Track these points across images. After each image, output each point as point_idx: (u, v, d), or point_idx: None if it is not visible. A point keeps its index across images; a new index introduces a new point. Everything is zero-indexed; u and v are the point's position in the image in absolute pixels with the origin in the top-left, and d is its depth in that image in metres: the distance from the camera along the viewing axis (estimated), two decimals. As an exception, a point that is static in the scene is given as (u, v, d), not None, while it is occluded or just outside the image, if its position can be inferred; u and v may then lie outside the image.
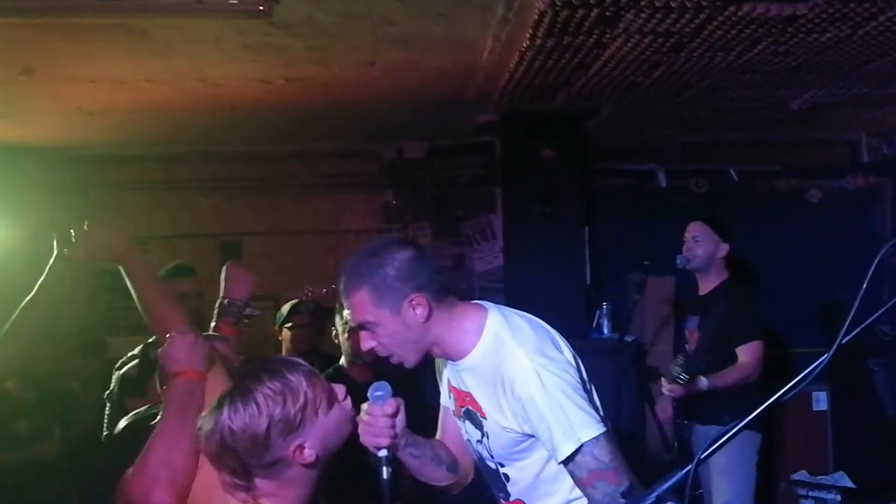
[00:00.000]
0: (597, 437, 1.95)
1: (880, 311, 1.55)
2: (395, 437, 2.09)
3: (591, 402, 2.07)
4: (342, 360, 3.66)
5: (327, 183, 5.88)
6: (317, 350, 4.35)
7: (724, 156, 5.95)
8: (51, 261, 2.59)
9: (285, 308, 4.42)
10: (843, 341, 1.70)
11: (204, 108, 4.56)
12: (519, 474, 2.17)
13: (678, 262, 4.17)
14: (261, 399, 1.78)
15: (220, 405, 1.81)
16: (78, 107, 4.51)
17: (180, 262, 3.77)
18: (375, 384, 2.11)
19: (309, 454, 1.82)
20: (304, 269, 5.75)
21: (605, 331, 5.03)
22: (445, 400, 2.35)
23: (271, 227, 5.96)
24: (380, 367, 3.58)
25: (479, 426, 2.18)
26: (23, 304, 2.60)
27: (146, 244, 4.44)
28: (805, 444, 4.87)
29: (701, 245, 4.05)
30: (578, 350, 4.97)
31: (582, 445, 1.94)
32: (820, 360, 1.78)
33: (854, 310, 1.70)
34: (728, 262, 4.11)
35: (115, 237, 2.50)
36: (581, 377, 2.11)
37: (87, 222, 2.53)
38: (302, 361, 1.91)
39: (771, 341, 3.99)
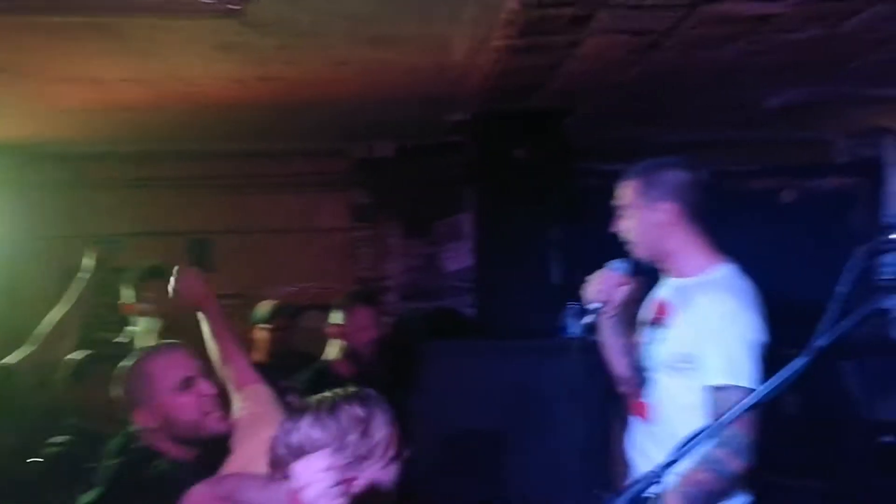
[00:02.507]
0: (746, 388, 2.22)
1: (857, 319, 1.53)
2: (608, 301, 2.50)
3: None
4: (329, 355, 3.68)
5: (298, 182, 5.85)
6: (291, 350, 4.35)
7: (700, 155, 5.93)
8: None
9: (264, 308, 4.38)
10: (819, 344, 1.68)
11: (177, 107, 4.54)
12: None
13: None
14: (344, 419, 1.74)
15: (302, 411, 1.77)
16: (50, 105, 4.47)
17: (155, 262, 3.71)
18: (618, 261, 2.55)
19: (356, 487, 1.76)
20: (274, 267, 5.72)
21: (575, 330, 5.00)
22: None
23: (242, 225, 5.91)
24: (367, 362, 3.63)
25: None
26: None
27: (119, 242, 4.38)
28: (772, 447, 4.85)
29: None
30: (550, 349, 4.95)
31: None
32: (796, 362, 1.76)
33: (831, 314, 1.68)
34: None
35: (198, 284, 2.62)
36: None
37: (176, 268, 2.64)
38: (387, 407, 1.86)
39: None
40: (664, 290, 2.60)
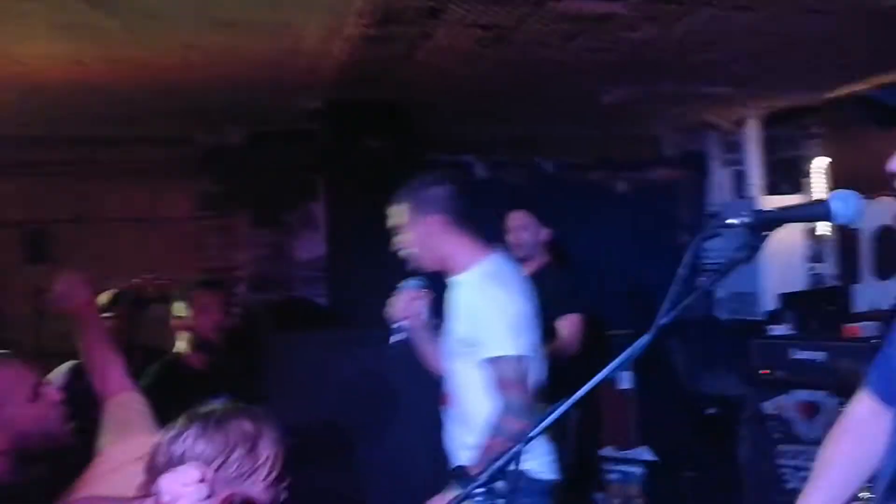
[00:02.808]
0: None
1: (694, 295, 1.67)
2: (411, 316, 2.82)
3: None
4: (179, 349, 3.59)
5: (142, 169, 5.60)
6: (135, 343, 4.19)
7: (540, 148, 6.20)
8: None
9: (103, 298, 4.20)
10: (662, 322, 1.81)
11: (5, 87, 4.27)
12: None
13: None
14: (232, 433, 1.68)
15: (189, 421, 1.69)
16: None
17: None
18: (412, 279, 2.89)
19: None
20: (117, 258, 5.46)
21: (426, 318, 5.09)
22: None
23: (80, 215, 5.60)
24: (218, 354, 3.57)
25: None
26: None
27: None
28: (611, 421, 5.15)
29: (526, 231, 4.18)
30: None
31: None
32: (641, 338, 1.89)
33: (672, 294, 1.82)
34: (548, 247, 4.26)
35: (80, 288, 2.48)
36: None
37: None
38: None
39: (588, 321, 4.17)
40: (449, 289, 2.88)
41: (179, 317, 3.69)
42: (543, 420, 1.85)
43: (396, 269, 5.02)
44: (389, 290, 4.92)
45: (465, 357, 2.69)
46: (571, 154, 6.21)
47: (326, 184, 5.39)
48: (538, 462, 2.71)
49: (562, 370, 3.91)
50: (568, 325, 4.03)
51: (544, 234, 4.23)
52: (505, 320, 2.62)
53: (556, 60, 4.09)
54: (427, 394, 4.73)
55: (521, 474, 2.56)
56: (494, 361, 2.58)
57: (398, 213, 2.93)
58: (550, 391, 3.87)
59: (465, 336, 2.68)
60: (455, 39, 3.69)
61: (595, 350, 4.45)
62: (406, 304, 2.87)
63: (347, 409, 4.73)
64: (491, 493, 1.71)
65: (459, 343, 2.72)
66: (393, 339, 2.87)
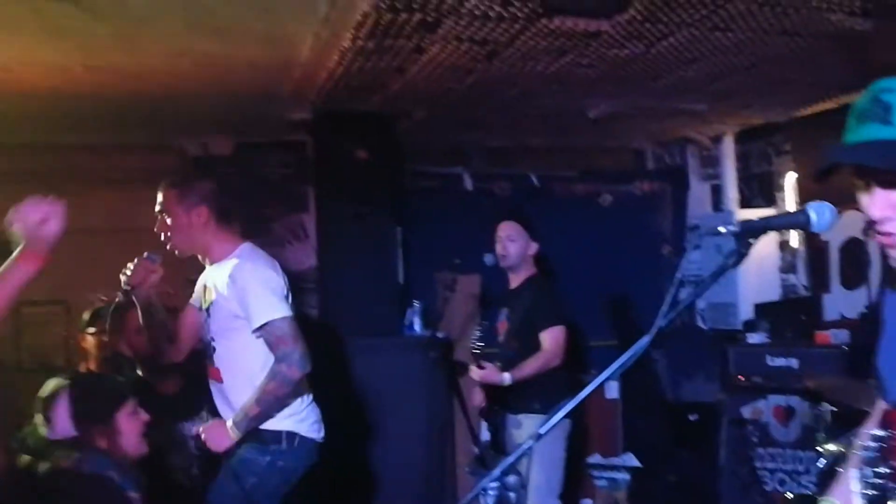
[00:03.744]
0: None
1: (700, 291, 1.74)
2: (139, 284, 3.18)
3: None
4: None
5: (121, 178, 5.52)
6: (120, 355, 4.18)
7: (526, 160, 6.27)
8: None
9: (86, 313, 4.20)
10: (662, 325, 1.87)
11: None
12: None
13: (486, 259, 4.33)
14: None
15: None
16: None
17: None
18: (152, 252, 3.20)
19: None
20: (96, 269, 5.35)
21: (417, 328, 5.13)
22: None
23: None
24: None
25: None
26: None
27: None
28: (599, 429, 5.23)
29: (514, 243, 4.20)
30: (391, 347, 5.11)
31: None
32: (639, 342, 1.95)
33: (669, 297, 1.88)
34: (534, 260, 4.31)
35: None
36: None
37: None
38: None
39: (571, 332, 4.23)
40: (207, 274, 3.23)
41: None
42: (549, 424, 1.90)
43: (385, 280, 5.12)
44: (378, 299, 4.99)
45: (234, 332, 3.05)
46: (556, 166, 6.29)
47: (316, 195, 5.41)
48: (306, 424, 3.10)
49: (545, 380, 4.01)
50: (551, 337, 4.08)
51: (533, 247, 4.25)
52: (269, 290, 3.03)
53: (545, 75, 4.16)
54: (417, 402, 4.80)
55: (293, 435, 3.04)
56: (268, 325, 2.97)
57: (164, 198, 3.19)
58: (535, 400, 3.97)
59: (236, 312, 3.03)
60: (448, 54, 3.73)
61: (577, 360, 4.52)
62: (139, 273, 3.18)
63: (336, 416, 4.75)
64: (503, 487, 1.76)
65: (228, 320, 3.06)
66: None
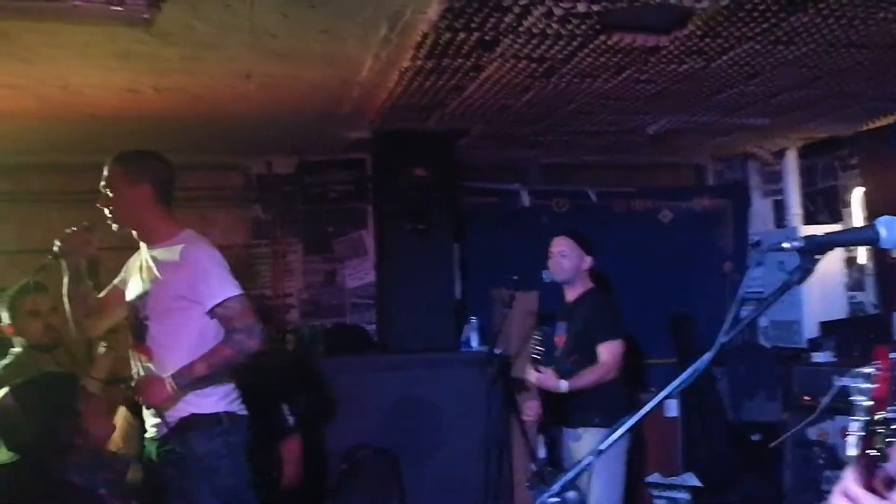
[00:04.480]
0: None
1: (763, 308, 1.72)
2: (73, 252, 3.23)
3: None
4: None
5: (192, 196, 5.68)
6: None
7: (582, 177, 6.25)
8: None
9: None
10: (724, 342, 1.86)
11: (61, 115, 4.37)
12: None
13: (543, 276, 4.32)
14: None
15: None
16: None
17: (32, 278, 3.58)
18: (88, 223, 3.27)
19: None
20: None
21: (474, 344, 5.15)
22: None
23: (128, 242, 5.67)
24: None
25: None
26: None
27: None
28: (658, 447, 5.16)
29: (567, 259, 4.19)
30: (448, 362, 5.11)
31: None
32: (699, 360, 1.94)
33: (730, 315, 1.87)
34: (591, 275, 4.29)
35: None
36: None
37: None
38: None
39: (629, 348, 4.19)
40: (144, 255, 3.25)
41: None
42: (613, 437, 1.89)
43: (442, 296, 5.15)
44: (435, 315, 5.02)
45: (180, 313, 3.08)
46: (614, 182, 6.26)
47: (375, 212, 5.49)
48: (236, 404, 3.16)
49: (605, 394, 3.98)
50: (609, 350, 4.06)
51: (588, 261, 4.23)
52: (224, 269, 3.10)
53: (603, 91, 4.15)
54: (474, 417, 4.81)
55: (230, 414, 3.11)
56: (227, 301, 3.03)
57: (110, 174, 3.20)
58: (595, 413, 3.94)
59: (183, 294, 3.06)
60: (505, 72, 3.76)
61: (635, 378, 4.48)
62: (75, 239, 3.23)
63: (394, 432, 4.79)
64: (563, 503, 1.75)
65: (171, 300, 3.08)
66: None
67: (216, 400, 3.11)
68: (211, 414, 3.08)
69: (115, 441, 3.40)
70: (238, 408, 3.19)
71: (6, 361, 3.66)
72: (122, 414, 3.78)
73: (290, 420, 4.24)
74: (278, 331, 5.43)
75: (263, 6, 2.96)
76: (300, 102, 4.32)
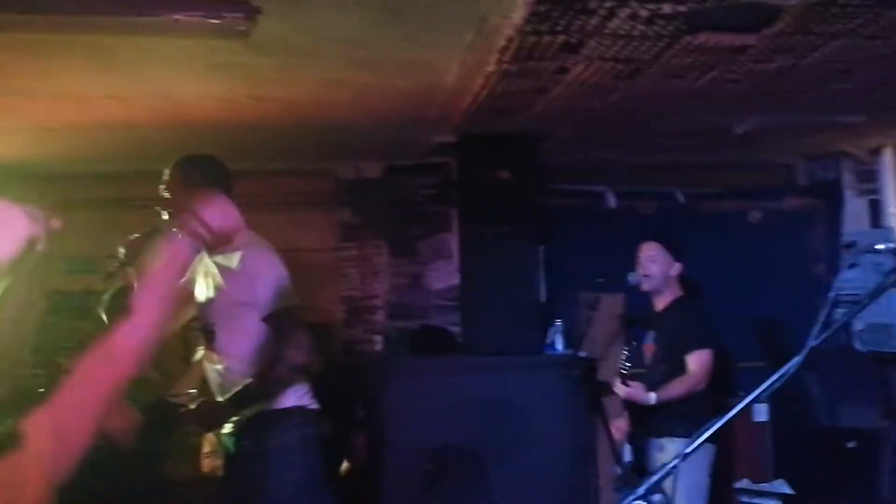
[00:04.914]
0: None
1: (857, 310, 1.71)
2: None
3: None
4: None
5: (284, 201, 5.86)
6: None
7: (669, 177, 6.18)
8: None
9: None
10: (814, 345, 1.85)
11: (163, 125, 4.55)
12: None
13: (629, 279, 4.29)
14: None
15: None
16: (34, 122, 4.46)
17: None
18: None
19: None
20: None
21: (559, 347, 5.14)
22: None
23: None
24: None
25: None
26: None
27: (95, 265, 4.36)
28: (747, 452, 5.06)
29: (655, 264, 4.15)
30: (533, 365, 5.14)
31: None
32: (789, 363, 1.93)
33: (822, 317, 1.85)
34: (680, 281, 4.25)
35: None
36: None
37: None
38: None
39: (718, 355, 4.13)
40: (206, 259, 3.19)
41: None
42: (694, 444, 1.90)
43: (527, 299, 5.17)
44: (520, 317, 5.04)
45: (241, 316, 3.12)
46: (701, 183, 6.16)
47: (459, 215, 5.56)
48: (308, 398, 3.23)
49: (689, 403, 3.94)
50: (698, 360, 4.02)
51: (677, 267, 4.18)
52: (278, 280, 3.14)
53: (689, 91, 4.11)
54: (560, 420, 4.81)
55: (302, 409, 3.19)
56: (280, 311, 3.08)
57: (169, 179, 3.25)
58: (679, 423, 3.90)
59: (243, 299, 3.11)
60: (591, 73, 3.76)
61: (724, 383, 4.41)
62: (139, 245, 3.26)
63: (480, 435, 4.83)
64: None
65: (233, 305, 3.14)
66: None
67: (288, 396, 3.22)
68: (284, 409, 3.21)
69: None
70: (309, 402, 3.30)
71: None
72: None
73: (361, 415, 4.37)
74: (365, 332, 5.55)
75: (354, 16, 3.05)
76: (388, 108, 4.42)
